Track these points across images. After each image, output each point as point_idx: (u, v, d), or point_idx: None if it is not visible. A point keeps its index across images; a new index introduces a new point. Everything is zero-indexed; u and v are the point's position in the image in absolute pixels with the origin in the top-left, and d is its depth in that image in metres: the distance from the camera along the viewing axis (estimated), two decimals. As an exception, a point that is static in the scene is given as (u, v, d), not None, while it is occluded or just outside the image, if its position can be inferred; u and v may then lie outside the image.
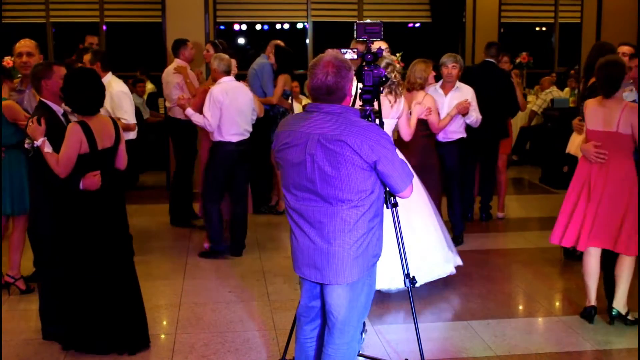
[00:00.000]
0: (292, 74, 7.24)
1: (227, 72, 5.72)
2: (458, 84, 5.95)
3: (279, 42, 7.38)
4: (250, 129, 5.87)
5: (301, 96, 8.34)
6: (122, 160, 4.01)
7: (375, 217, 2.92)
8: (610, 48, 5.21)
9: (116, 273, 3.91)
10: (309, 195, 2.84)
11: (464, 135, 6.03)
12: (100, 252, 3.86)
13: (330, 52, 2.90)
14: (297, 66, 7.54)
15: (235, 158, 5.75)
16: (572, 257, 5.57)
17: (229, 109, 5.63)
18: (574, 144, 5.37)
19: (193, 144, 6.82)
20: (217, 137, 5.69)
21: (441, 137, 5.95)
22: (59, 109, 4.09)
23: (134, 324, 3.97)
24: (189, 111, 5.72)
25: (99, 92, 3.84)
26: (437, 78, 6.10)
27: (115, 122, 3.97)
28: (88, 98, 3.78)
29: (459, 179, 6.15)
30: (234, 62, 5.84)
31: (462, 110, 5.75)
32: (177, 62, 6.74)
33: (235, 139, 5.71)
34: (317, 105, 2.85)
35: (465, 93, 5.89)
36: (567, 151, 5.49)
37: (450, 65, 5.89)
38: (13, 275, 4.89)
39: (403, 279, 3.64)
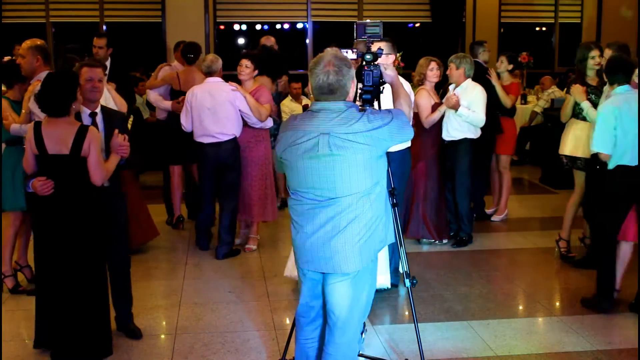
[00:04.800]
0: (272, 74, 6.87)
1: (208, 73, 5.72)
2: (467, 83, 5.92)
3: (266, 39, 7.27)
4: (230, 132, 5.64)
5: (302, 96, 8.33)
6: (91, 172, 3.71)
7: (382, 203, 2.98)
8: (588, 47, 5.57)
9: (71, 281, 3.78)
10: (320, 192, 2.87)
11: (468, 135, 5.91)
12: (52, 258, 3.76)
13: (329, 51, 2.93)
14: (281, 67, 7.11)
15: (210, 161, 5.69)
16: (568, 260, 5.63)
17: (195, 110, 5.65)
18: (567, 145, 5.53)
19: (173, 145, 6.66)
20: (194, 138, 5.77)
21: (445, 135, 5.95)
22: (85, 110, 3.98)
23: (92, 331, 3.86)
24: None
25: (61, 94, 3.69)
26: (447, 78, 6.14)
27: (83, 131, 3.69)
28: (48, 99, 3.71)
29: (461, 179, 6.00)
30: (219, 62, 5.77)
31: (448, 104, 5.76)
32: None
33: (205, 140, 5.66)
34: (323, 104, 2.90)
35: (469, 92, 5.87)
36: (560, 152, 5.60)
37: (450, 64, 5.94)
38: (4, 272, 4.93)
39: (403, 278, 3.65)
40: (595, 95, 5.32)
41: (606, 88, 4.97)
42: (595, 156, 4.69)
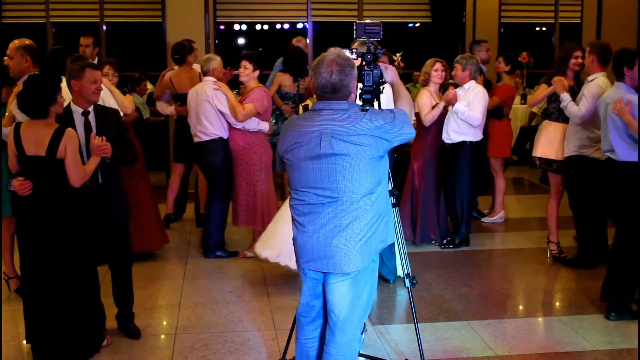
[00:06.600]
0: (295, 73, 7.07)
1: (204, 73, 5.85)
2: (470, 84, 5.91)
3: (297, 41, 7.60)
4: (211, 132, 5.65)
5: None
6: (69, 174, 3.67)
7: (383, 203, 2.98)
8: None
9: (53, 282, 3.74)
10: (322, 191, 2.87)
11: (468, 138, 5.83)
12: (35, 260, 3.74)
13: (332, 51, 2.94)
14: (304, 67, 7.21)
15: (198, 159, 6.00)
16: (561, 261, 5.62)
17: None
18: (539, 146, 5.61)
19: (177, 143, 6.76)
20: None
21: (444, 137, 5.94)
22: (77, 110, 3.96)
23: (74, 332, 3.82)
24: None
25: (40, 96, 3.67)
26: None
27: (59, 132, 3.66)
28: (27, 101, 3.69)
29: (460, 182, 5.93)
30: (212, 62, 5.79)
31: (445, 98, 5.79)
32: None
33: (195, 139, 5.84)
34: (325, 103, 2.90)
35: (469, 93, 5.86)
36: (533, 154, 5.67)
37: (456, 65, 5.94)
38: (7, 273, 4.95)
39: (403, 278, 3.65)
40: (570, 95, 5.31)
41: (605, 81, 5.05)
42: (569, 159, 4.83)
